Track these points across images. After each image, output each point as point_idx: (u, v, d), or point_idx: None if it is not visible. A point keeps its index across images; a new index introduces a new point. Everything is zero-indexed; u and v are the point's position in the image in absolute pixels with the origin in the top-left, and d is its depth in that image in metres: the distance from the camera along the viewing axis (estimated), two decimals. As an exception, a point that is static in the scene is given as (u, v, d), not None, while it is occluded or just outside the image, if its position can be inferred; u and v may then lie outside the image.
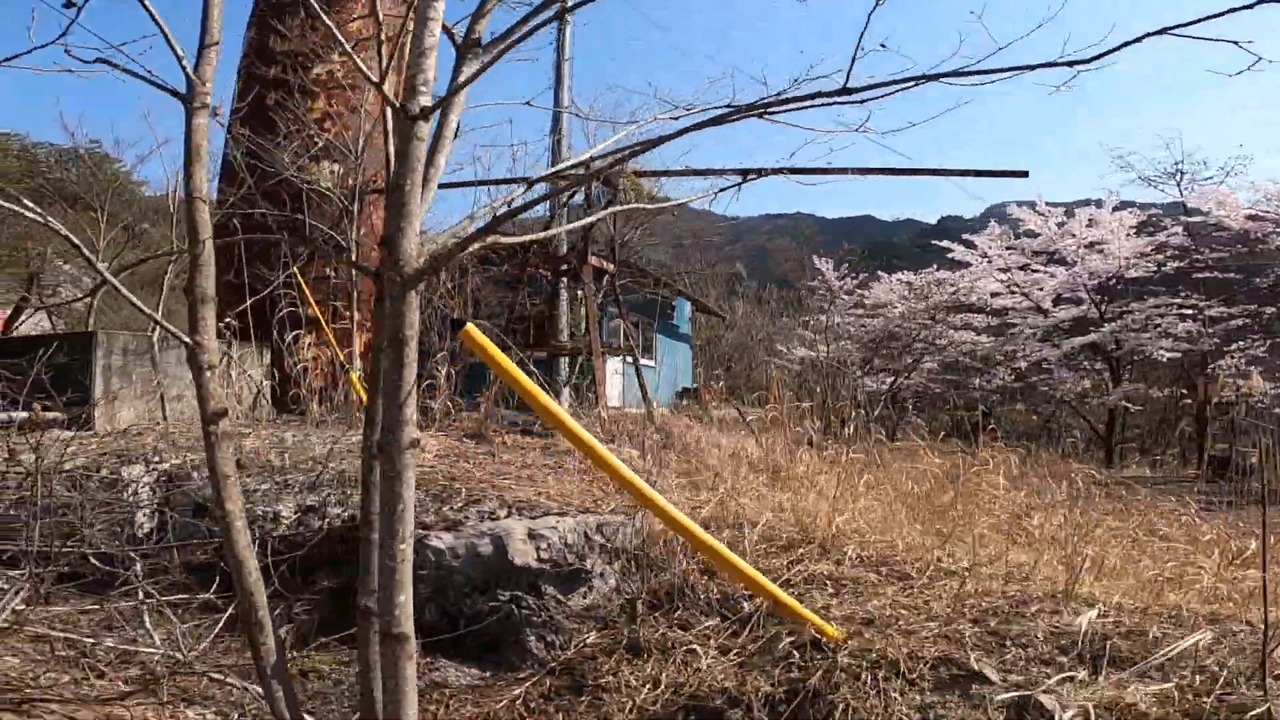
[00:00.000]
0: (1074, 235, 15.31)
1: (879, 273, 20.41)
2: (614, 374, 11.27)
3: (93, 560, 3.59)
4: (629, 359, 10.33)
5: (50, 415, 5.06)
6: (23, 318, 13.02)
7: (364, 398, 6.52)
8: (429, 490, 4.21)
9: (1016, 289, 16.53)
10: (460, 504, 3.98)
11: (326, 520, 3.89)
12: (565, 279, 8.62)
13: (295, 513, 4.08)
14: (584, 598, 3.75)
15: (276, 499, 4.21)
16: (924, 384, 17.16)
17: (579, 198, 12.81)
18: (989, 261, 16.94)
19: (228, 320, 7.32)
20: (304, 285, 6.87)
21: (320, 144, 8.15)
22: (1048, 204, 15.72)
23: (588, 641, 3.45)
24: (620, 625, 3.54)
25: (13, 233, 15.17)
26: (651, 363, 13.39)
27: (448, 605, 3.53)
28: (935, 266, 17.89)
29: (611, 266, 8.23)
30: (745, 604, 3.45)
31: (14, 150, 16.59)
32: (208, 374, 1.87)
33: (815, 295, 21.33)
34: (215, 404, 1.88)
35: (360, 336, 7.92)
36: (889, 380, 16.62)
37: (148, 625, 3.25)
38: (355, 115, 8.42)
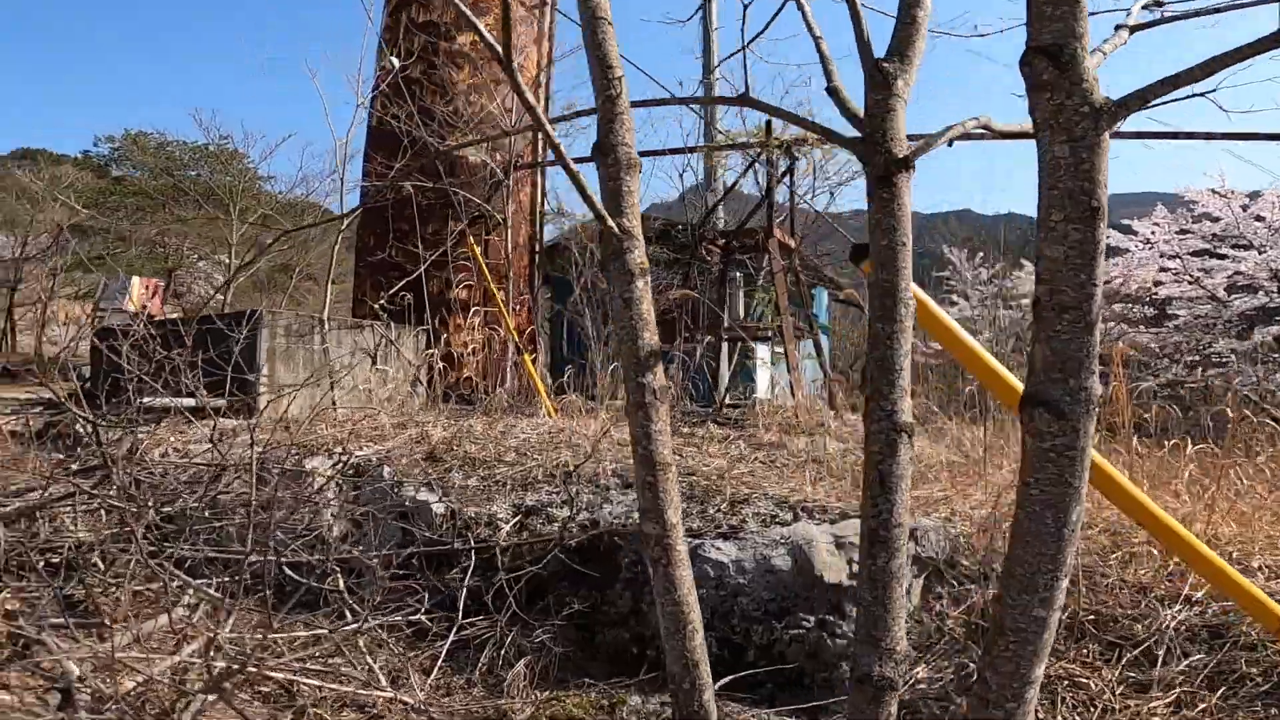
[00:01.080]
0: (1262, 219, 13.64)
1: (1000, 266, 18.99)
2: (761, 364, 10.38)
3: (288, 571, 3.04)
4: (778, 347, 9.48)
5: (216, 403, 4.60)
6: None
7: (538, 383, 5.92)
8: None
9: (1185, 276, 14.91)
10: (724, 504, 3.24)
11: (566, 526, 3.20)
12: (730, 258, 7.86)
13: (514, 515, 3.42)
14: (889, 624, 2.96)
15: (488, 498, 3.57)
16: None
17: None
18: (1151, 248, 15.36)
19: (380, 302, 6.88)
20: (479, 259, 6.30)
21: (466, 116, 7.64)
22: (1231, 189, 14.04)
23: (919, 676, 2.67)
24: (955, 654, 2.75)
25: (148, 233, 15.49)
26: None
27: (730, 633, 2.79)
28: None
29: (794, 242, 7.40)
30: (1137, 626, 2.61)
31: (150, 148, 17.01)
32: (640, 283, 1.15)
33: (944, 286, 20.01)
34: (651, 336, 1.16)
35: (511, 319, 7.37)
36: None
37: (368, 659, 2.64)
38: (504, 87, 7.88)
